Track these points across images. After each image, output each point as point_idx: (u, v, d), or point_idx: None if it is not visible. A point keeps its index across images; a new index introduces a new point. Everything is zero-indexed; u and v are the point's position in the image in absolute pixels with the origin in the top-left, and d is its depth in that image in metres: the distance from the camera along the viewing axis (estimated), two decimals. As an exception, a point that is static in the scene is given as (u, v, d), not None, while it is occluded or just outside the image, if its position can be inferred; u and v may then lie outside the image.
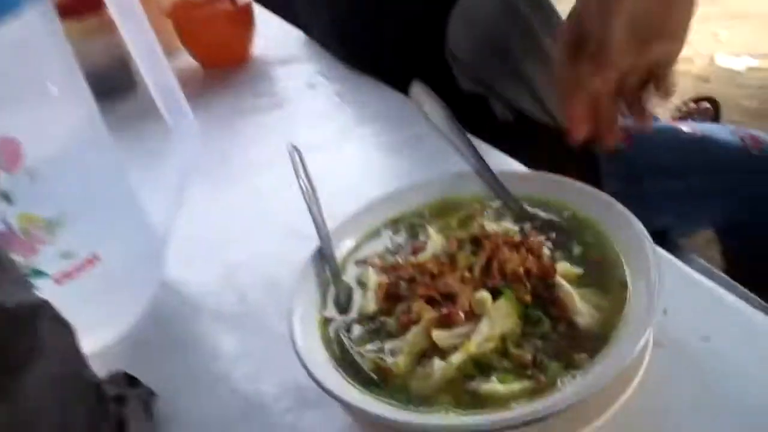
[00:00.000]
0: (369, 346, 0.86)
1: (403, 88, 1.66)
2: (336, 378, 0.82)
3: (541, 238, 0.95)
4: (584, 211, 0.97)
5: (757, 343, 0.91)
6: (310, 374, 0.79)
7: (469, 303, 0.83)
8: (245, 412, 0.98)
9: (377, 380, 0.81)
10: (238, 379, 1.03)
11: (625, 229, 0.90)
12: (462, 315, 0.82)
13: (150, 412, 0.97)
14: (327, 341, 0.87)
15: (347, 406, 0.76)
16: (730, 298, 0.97)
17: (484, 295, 0.83)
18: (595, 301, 0.84)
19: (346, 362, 0.84)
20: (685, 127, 1.85)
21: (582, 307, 0.83)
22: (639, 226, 0.88)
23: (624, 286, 0.85)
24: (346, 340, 0.87)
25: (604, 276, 0.88)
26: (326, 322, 0.90)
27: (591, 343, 0.79)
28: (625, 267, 0.87)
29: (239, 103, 1.88)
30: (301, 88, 1.89)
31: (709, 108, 3.67)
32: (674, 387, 0.85)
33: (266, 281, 1.20)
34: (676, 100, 3.83)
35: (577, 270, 0.88)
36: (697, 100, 3.70)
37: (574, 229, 0.96)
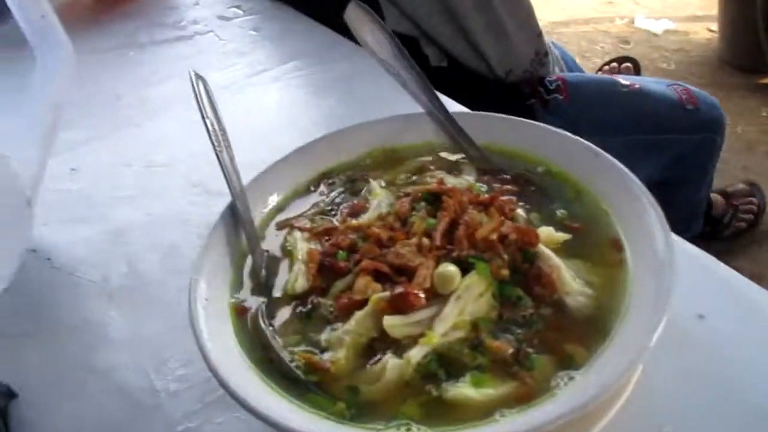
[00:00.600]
0: (298, 337, 0.65)
1: (329, 22, 1.45)
2: (253, 381, 0.61)
3: (513, 197, 0.76)
4: (562, 164, 0.79)
5: (755, 319, 0.77)
6: (218, 379, 0.58)
7: (431, 279, 0.64)
8: (134, 416, 0.76)
9: (310, 383, 0.61)
10: (126, 374, 0.81)
11: (615, 186, 0.73)
12: (422, 296, 0.62)
13: (4, 420, 0.74)
14: (242, 332, 0.66)
15: (268, 420, 0.55)
16: (724, 270, 0.82)
17: (451, 268, 0.64)
18: (585, 275, 0.67)
19: (267, 360, 0.63)
20: (623, 79, 1.76)
21: (572, 283, 0.65)
22: (634, 180, 0.71)
23: (619, 256, 0.68)
24: (267, 330, 0.66)
25: (592, 244, 0.70)
26: (241, 307, 0.69)
27: (587, 331, 0.62)
28: (619, 233, 0.70)
29: (137, 35, 1.62)
30: (212, 19, 1.65)
31: (631, 68, 3.66)
32: (673, 375, 0.71)
33: (164, 247, 0.97)
34: (597, 60, 3.81)
35: (563, 236, 0.70)
36: (618, 60, 3.68)
37: (552, 186, 0.78)
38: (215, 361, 0.59)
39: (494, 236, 0.66)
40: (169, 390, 0.78)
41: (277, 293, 0.70)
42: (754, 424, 0.66)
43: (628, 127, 1.75)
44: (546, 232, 0.69)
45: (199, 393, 0.76)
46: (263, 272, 0.72)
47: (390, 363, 0.59)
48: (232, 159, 0.79)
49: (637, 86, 1.70)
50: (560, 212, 0.74)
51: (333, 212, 0.79)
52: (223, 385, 0.58)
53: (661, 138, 1.75)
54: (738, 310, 0.79)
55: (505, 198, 0.74)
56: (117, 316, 0.90)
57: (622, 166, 0.73)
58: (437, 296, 0.63)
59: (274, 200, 0.81)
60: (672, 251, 0.63)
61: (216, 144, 0.78)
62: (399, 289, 0.62)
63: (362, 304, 0.64)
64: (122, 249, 0.99)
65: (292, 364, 0.62)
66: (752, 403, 0.67)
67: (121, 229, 1.03)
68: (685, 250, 0.85)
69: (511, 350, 0.60)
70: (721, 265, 0.83)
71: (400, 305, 0.62)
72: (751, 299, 0.80)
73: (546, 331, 0.62)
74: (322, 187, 0.83)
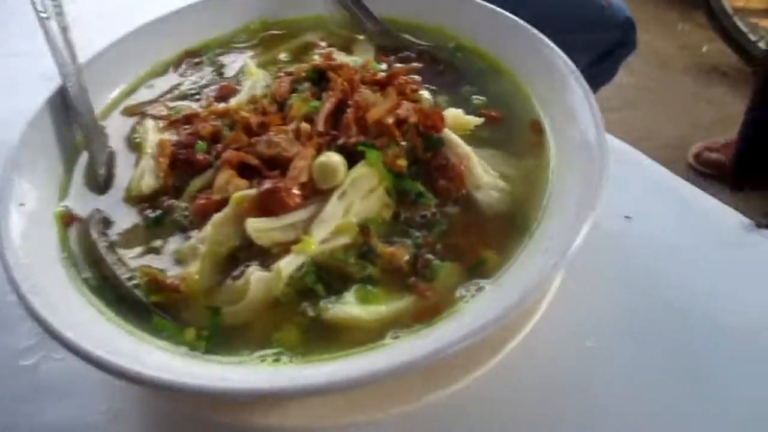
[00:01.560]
0: (143, 249, 0.51)
1: None
2: (80, 310, 0.47)
3: (417, 76, 0.63)
4: (475, 39, 0.66)
5: (685, 221, 0.69)
6: (25, 303, 0.44)
7: (309, 172, 0.50)
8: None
9: (154, 306, 0.48)
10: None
11: (537, 62, 0.61)
12: (297, 192, 0.49)
13: None
14: (70, 247, 0.52)
15: (92, 361, 0.42)
16: (655, 168, 0.73)
17: (334, 158, 0.50)
18: (500, 167, 0.55)
19: (100, 278, 0.49)
20: None
21: (483, 175, 0.53)
22: (559, 54, 0.59)
23: (539, 140, 0.56)
24: (99, 242, 0.51)
25: (509, 131, 0.58)
26: (70, 216, 0.54)
27: (500, 231, 0.50)
28: (540, 115, 0.58)
29: None
30: None
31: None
32: (596, 283, 0.61)
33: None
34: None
35: (474, 120, 0.57)
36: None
37: (463, 63, 0.65)
38: (21, 282, 0.45)
39: (390, 119, 0.53)
40: (-1, 323, 0.63)
41: (118, 196, 0.55)
42: (682, 333, 0.58)
43: (540, 25, 1.64)
44: (454, 114, 0.57)
45: (35, 325, 0.62)
46: (103, 170, 0.57)
47: (254, 276, 0.46)
48: (64, 29, 0.61)
49: None
50: (475, 98, 0.61)
51: (197, 96, 0.64)
52: (32, 312, 0.44)
53: (577, 38, 1.66)
54: (668, 210, 0.70)
55: (407, 78, 0.60)
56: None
57: (545, 38, 0.61)
58: (317, 193, 0.50)
59: (123, 82, 0.65)
60: (602, 135, 0.51)
61: (39, 7, 0.60)
62: (266, 185, 0.49)
63: (222, 206, 0.50)
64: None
65: (132, 283, 0.49)
66: (679, 309, 0.59)
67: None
68: (613, 146, 0.75)
69: (407, 257, 0.49)
70: (653, 162, 0.74)
71: (268, 205, 0.49)
72: (683, 199, 0.71)
73: (451, 233, 0.51)
74: (186, 67, 0.67)
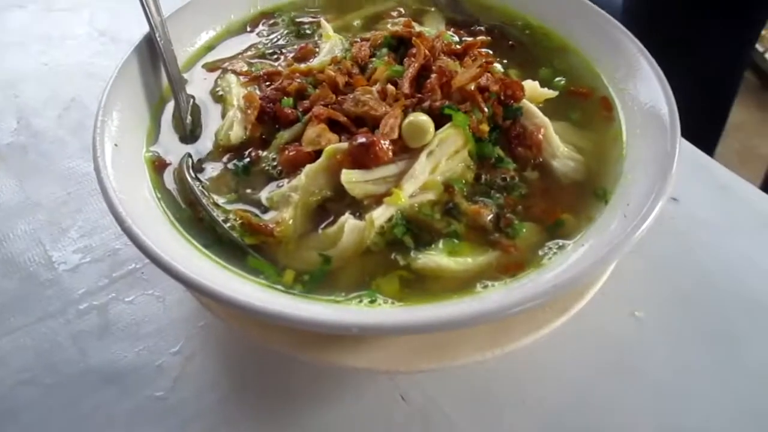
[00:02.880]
0: (233, 196, 0.53)
1: None
2: (178, 244, 0.49)
3: (488, 50, 0.65)
4: (543, 18, 0.68)
5: (728, 204, 0.72)
6: (133, 238, 0.46)
7: (399, 130, 0.52)
8: (27, 292, 0.63)
9: (249, 248, 0.50)
10: (16, 245, 0.67)
11: (605, 41, 0.63)
12: (388, 147, 0.51)
13: None
14: (162, 189, 0.54)
15: (200, 289, 0.43)
16: (699, 155, 0.76)
17: (423, 118, 0.52)
18: (573, 139, 0.57)
19: (195, 220, 0.51)
20: None
21: (560, 145, 0.56)
22: (627, 34, 0.61)
23: (610, 118, 0.59)
24: (195, 185, 0.53)
25: (580, 106, 0.61)
26: (160, 161, 0.56)
27: (578, 197, 0.53)
28: (610, 92, 0.61)
29: None
30: None
31: None
32: (645, 259, 0.64)
33: (63, 98, 0.81)
34: None
35: (549, 92, 0.60)
36: None
37: (531, 41, 0.67)
38: (129, 217, 0.46)
39: (473, 86, 0.55)
40: (69, 263, 0.65)
41: (206, 144, 0.57)
42: (723, 309, 0.61)
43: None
44: (530, 86, 0.59)
45: (106, 267, 0.64)
46: (188, 119, 0.59)
47: (348, 224, 0.49)
48: (150, -18, 0.63)
49: None
50: (540, 70, 0.63)
51: (275, 56, 0.66)
52: (140, 246, 0.45)
53: None
54: (711, 194, 0.73)
55: (482, 51, 0.63)
56: (5, 179, 0.75)
57: (612, 19, 0.63)
58: (405, 151, 0.53)
59: (202, 39, 0.67)
60: (673, 107, 0.54)
61: (129, -40, 0.62)
62: (361, 139, 0.51)
63: (313, 157, 0.53)
64: (11, 102, 0.82)
65: (226, 226, 0.51)
66: (722, 288, 0.63)
67: (11, 79, 0.85)
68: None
69: (490, 216, 0.51)
70: (696, 149, 0.77)
71: (361, 158, 0.51)
72: (724, 184, 0.74)
73: (530, 196, 0.53)
74: (262, 27, 0.69)
